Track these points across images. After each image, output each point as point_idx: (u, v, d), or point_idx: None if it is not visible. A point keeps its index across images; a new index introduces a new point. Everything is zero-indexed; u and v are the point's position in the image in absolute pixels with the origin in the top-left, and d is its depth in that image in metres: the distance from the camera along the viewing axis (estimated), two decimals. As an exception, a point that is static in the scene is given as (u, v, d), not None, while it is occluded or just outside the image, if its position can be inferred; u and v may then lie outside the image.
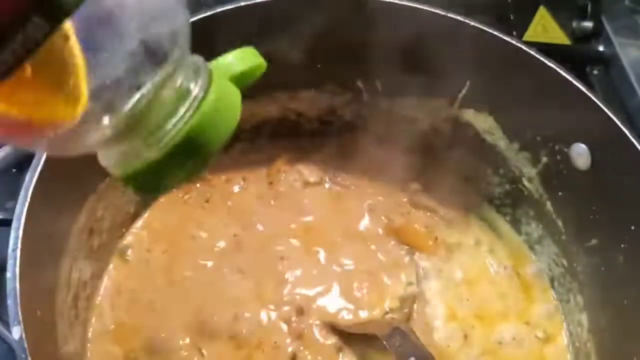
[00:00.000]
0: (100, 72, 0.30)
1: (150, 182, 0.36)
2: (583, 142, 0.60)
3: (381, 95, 0.73)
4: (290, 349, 0.63)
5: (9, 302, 0.43)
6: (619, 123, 0.56)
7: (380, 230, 0.73)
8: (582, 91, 0.58)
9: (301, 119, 0.77)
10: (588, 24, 0.95)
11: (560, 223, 0.67)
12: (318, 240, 0.71)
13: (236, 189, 0.75)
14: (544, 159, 0.65)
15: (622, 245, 0.57)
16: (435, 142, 0.75)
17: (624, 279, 0.58)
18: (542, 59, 0.60)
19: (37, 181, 0.49)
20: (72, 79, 0.28)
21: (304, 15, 0.63)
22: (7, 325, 0.43)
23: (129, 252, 0.68)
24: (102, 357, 0.61)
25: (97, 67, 0.29)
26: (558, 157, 0.63)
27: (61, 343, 0.53)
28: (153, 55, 0.31)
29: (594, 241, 0.62)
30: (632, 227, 0.56)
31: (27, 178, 0.49)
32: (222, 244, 0.70)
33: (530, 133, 0.66)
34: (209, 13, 0.59)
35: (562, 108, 0.60)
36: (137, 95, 0.31)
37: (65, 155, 0.33)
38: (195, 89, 0.34)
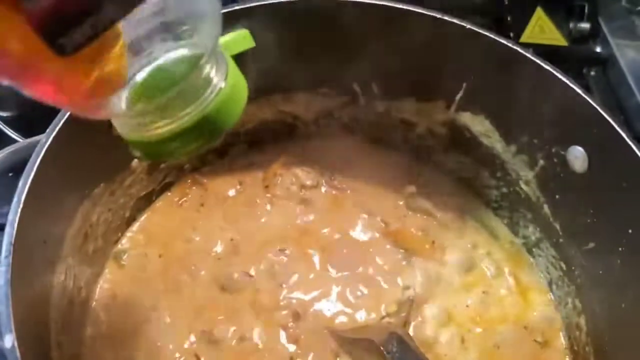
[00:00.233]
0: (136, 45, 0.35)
1: (157, 152, 0.40)
2: (580, 145, 0.59)
3: (377, 98, 0.73)
4: (287, 354, 0.63)
5: (1, 308, 0.42)
6: (616, 126, 0.55)
7: (377, 234, 0.72)
8: (578, 94, 0.57)
9: (297, 122, 0.77)
10: (585, 25, 0.95)
11: (557, 226, 0.66)
12: (314, 244, 0.71)
13: (232, 192, 0.75)
14: (541, 162, 0.65)
15: (620, 249, 0.57)
16: (432, 145, 0.75)
17: (622, 282, 0.58)
18: (538, 61, 0.60)
19: (30, 187, 0.49)
20: (121, 53, 0.32)
21: (300, 18, 0.63)
22: (-1, 334, 0.43)
23: (125, 256, 0.68)
24: (97, 363, 0.61)
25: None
26: (555, 160, 0.63)
27: (55, 349, 0.53)
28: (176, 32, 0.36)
29: (591, 244, 0.62)
30: (630, 230, 0.55)
31: (20, 184, 0.48)
32: (218, 248, 0.70)
33: (527, 136, 0.65)
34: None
35: (559, 111, 0.60)
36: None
37: (93, 117, 0.37)
38: (217, 79, 0.38)
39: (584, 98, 0.57)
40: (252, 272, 0.68)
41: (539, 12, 0.96)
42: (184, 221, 0.72)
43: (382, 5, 0.63)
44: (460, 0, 0.95)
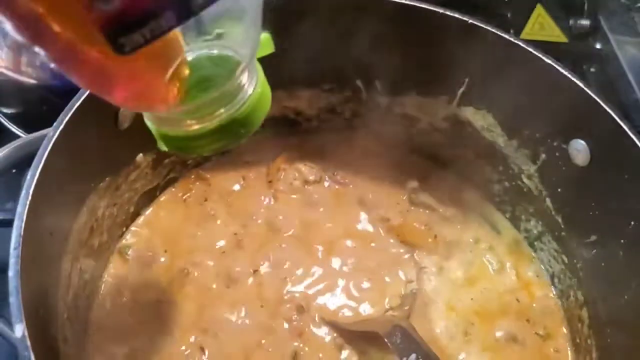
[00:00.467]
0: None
1: (181, 146, 0.42)
2: (582, 139, 0.60)
3: (380, 93, 0.73)
4: (291, 348, 0.63)
5: (11, 299, 0.42)
6: (617, 118, 0.56)
7: (380, 229, 0.73)
8: (580, 87, 0.58)
9: (300, 117, 0.77)
10: (585, 22, 0.96)
11: (559, 219, 0.67)
12: (318, 239, 0.71)
13: (236, 187, 0.75)
14: (543, 156, 0.65)
15: (622, 241, 0.57)
16: (434, 140, 0.75)
17: (623, 274, 0.58)
18: (540, 55, 0.60)
19: (38, 180, 0.49)
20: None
21: (302, 14, 0.63)
22: (10, 325, 0.43)
23: (129, 251, 0.68)
24: (102, 356, 0.61)
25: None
26: (557, 153, 0.63)
27: (62, 341, 0.53)
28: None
29: (593, 237, 0.62)
30: (632, 223, 0.56)
31: (28, 176, 0.49)
32: (222, 242, 0.70)
33: (529, 130, 0.66)
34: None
35: (561, 104, 0.60)
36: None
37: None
38: (248, 84, 0.41)
39: (586, 91, 0.57)
40: (256, 266, 0.68)
41: (539, 9, 0.97)
42: (188, 216, 0.72)
43: (385, 0, 0.63)
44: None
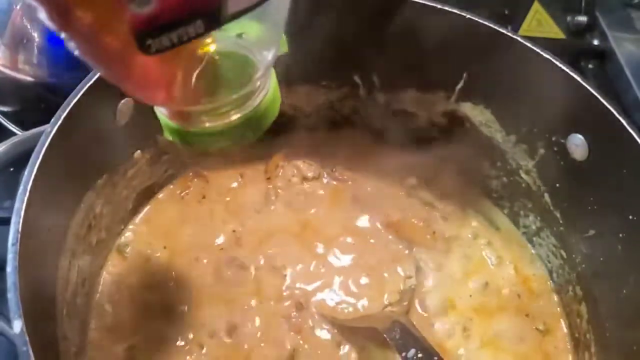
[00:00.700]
0: None
1: (192, 141, 0.43)
2: (580, 133, 0.60)
3: (378, 89, 0.73)
4: (290, 344, 0.63)
5: (9, 295, 0.42)
6: (615, 113, 0.55)
7: (379, 225, 0.73)
8: (578, 82, 0.58)
9: (298, 113, 0.77)
10: (582, 18, 0.96)
11: (558, 214, 0.67)
12: (316, 235, 0.71)
13: (234, 184, 0.75)
14: (541, 151, 0.65)
15: (621, 235, 0.57)
16: (432, 135, 0.75)
17: (622, 269, 0.58)
18: (538, 50, 0.60)
19: (35, 176, 0.49)
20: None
21: (300, 10, 0.63)
22: (8, 321, 0.43)
23: (128, 248, 0.68)
24: (101, 354, 0.61)
25: None
26: (555, 148, 0.63)
27: (61, 337, 0.53)
28: None
29: (592, 232, 0.62)
30: (630, 217, 0.56)
31: (26, 173, 0.48)
32: (221, 239, 0.70)
33: (527, 125, 0.66)
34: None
35: (559, 99, 0.60)
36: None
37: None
38: (263, 87, 0.42)
39: (584, 86, 0.57)
40: (255, 263, 0.68)
41: (537, 6, 0.97)
42: (186, 213, 0.72)
43: (383, -5, 0.63)
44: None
